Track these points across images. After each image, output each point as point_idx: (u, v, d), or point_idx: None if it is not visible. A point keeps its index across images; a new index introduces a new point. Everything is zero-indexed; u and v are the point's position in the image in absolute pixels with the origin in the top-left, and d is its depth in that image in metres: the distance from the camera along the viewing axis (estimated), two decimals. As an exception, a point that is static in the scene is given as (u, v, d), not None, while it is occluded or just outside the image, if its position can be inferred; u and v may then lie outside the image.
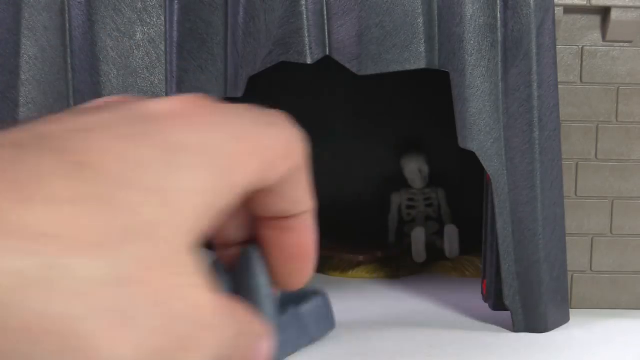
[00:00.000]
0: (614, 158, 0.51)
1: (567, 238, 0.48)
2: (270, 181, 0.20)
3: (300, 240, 0.25)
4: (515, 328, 0.46)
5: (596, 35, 0.50)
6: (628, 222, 0.51)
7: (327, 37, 0.43)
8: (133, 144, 0.15)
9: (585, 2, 0.49)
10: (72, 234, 0.14)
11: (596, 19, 0.50)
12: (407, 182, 0.71)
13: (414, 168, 0.70)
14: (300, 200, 0.24)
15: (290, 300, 0.26)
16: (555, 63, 0.45)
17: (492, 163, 0.45)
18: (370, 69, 0.43)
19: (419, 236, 0.66)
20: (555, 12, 0.46)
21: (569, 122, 0.50)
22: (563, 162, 0.47)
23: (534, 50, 0.44)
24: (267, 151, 0.19)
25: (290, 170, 0.22)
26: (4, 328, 0.13)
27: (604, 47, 0.50)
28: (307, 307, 0.27)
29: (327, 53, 0.44)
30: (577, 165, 0.51)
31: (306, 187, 0.24)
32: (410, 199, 0.71)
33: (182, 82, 0.44)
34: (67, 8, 0.44)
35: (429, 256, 0.67)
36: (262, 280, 0.23)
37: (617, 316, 0.50)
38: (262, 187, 0.21)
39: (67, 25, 0.44)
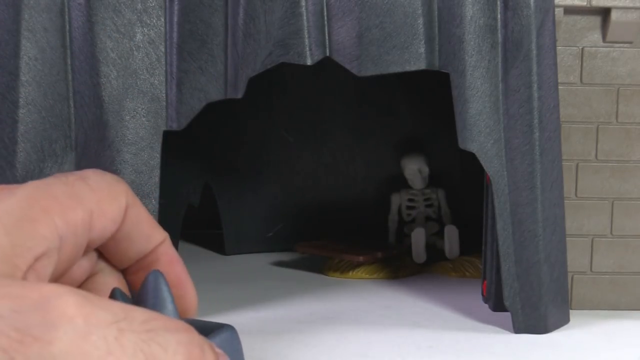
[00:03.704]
0: (614, 159, 0.51)
1: (567, 239, 0.48)
2: (107, 225, 0.23)
3: (167, 270, 0.25)
4: (516, 329, 0.46)
5: (596, 36, 0.50)
6: (628, 223, 0.51)
7: (327, 38, 0.43)
8: None
9: (585, 3, 0.49)
10: None
11: (596, 20, 0.50)
12: (407, 183, 0.71)
13: (414, 168, 0.70)
14: (150, 234, 0.25)
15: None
16: (555, 64, 0.45)
17: (492, 164, 0.45)
18: (370, 70, 0.43)
19: (419, 237, 0.66)
20: (556, 12, 0.46)
21: (569, 123, 0.50)
22: (563, 163, 0.47)
23: (534, 51, 0.44)
24: (72, 203, 0.22)
25: (123, 210, 0.23)
26: None
27: (604, 48, 0.50)
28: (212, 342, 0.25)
29: (327, 54, 0.43)
30: (577, 166, 0.51)
31: (150, 221, 0.25)
32: (410, 200, 0.71)
33: (182, 83, 0.44)
34: (66, 9, 0.44)
35: (429, 257, 0.67)
36: (164, 297, 0.23)
37: (618, 317, 0.50)
38: (107, 234, 0.23)
39: (67, 26, 0.44)
